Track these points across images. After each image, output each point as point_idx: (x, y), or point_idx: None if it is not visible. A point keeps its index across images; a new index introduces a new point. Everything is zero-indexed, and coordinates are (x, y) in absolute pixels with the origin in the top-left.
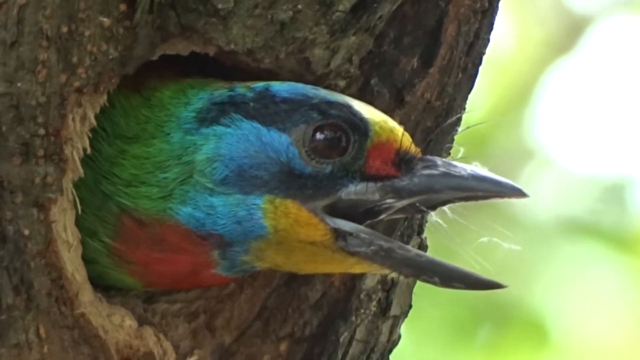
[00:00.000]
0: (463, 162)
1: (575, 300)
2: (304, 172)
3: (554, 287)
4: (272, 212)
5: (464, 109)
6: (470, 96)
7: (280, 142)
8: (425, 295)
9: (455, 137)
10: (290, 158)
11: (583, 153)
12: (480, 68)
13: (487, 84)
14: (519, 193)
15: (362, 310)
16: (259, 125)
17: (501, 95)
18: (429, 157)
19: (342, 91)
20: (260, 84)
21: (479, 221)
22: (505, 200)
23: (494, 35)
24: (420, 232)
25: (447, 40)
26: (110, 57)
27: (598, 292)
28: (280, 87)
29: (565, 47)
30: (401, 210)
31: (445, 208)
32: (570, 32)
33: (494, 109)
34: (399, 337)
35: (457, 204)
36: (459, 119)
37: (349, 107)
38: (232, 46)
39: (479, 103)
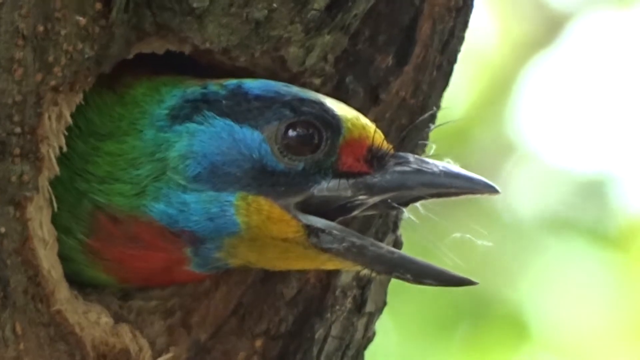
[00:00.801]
0: (436, 159)
1: (555, 295)
2: (277, 169)
3: (534, 283)
4: (244, 208)
5: (439, 106)
6: (448, 92)
7: (252, 139)
8: (406, 291)
9: (431, 134)
10: (262, 155)
11: (563, 148)
12: (456, 66)
13: (468, 80)
14: (491, 189)
15: (337, 307)
16: (232, 123)
17: (481, 90)
18: (401, 153)
19: (317, 89)
20: (232, 82)
21: (455, 218)
22: (479, 196)
23: (474, 31)
24: (395, 229)
25: (422, 38)
26: (86, 56)
27: (578, 287)
28: (253, 85)
29: (545, 43)
30: (373, 206)
31: (418, 205)
32: (550, 28)
33: (474, 104)
34: (374, 333)
35: (431, 201)
36: (433, 116)
37: (321, 105)
38: (208, 45)
39: (460, 98)
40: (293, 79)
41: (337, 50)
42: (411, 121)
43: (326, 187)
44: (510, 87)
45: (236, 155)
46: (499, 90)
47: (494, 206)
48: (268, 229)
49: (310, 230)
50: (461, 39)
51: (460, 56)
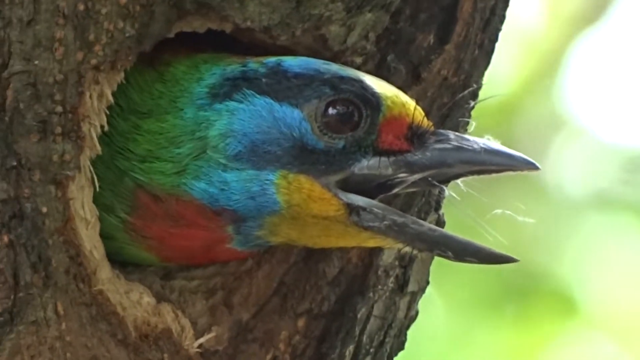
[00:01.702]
0: (480, 136)
1: (603, 271)
2: (317, 148)
3: (581, 259)
4: (285, 187)
5: (481, 85)
6: (497, 68)
7: (292, 117)
8: (453, 269)
9: (479, 110)
10: (302, 133)
11: (613, 124)
12: (497, 44)
13: (517, 56)
14: (532, 166)
15: (379, 287)
16: (272, 101)
17: (531, 66)
18: (441, 131)
19: (359, 68)
20: (272, 59)
21: (502, 195)
22: (520, 173)
23: (523, 7)
24: (437, 208)
25: (463, 16)
26: (127, 34)
27: (627, 263)
28: (293, 62)
29: (593, 18)
30: (413, 184)
31: (460, 182)
32: (598, 2)
33: (523, 80)
34: (417, 313)
35: (475, 178)
36: (474, 93)
37: (360, 82)
38: (249, 23)
39: (509, 75)
40: (334, 58)
41: (378, 28)
42: (453, 100)
43: (366, 165)
44: (559, 63)
45: (276, 134)
46: (548, 66)
47: (542, 182)
48: (309, 208)
49: (351, 209)
50: (502, 18)
51: (508, 33)
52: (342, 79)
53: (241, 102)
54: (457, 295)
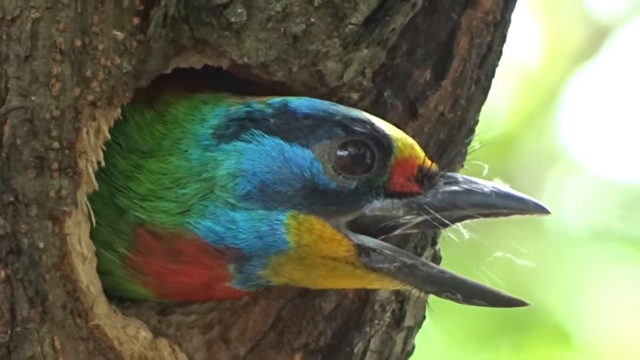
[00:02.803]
0: (481, 170)
1: (600, 305)
2: (329, 188)
3: (580, 292)
4: (295, 227)
5: (477, 120)
6: (494, 103)
7: (303, 157)
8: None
9: (478, 152)
10: (314, 174)
11: (609, 158)
12: (494, 80)
13: (513, 90)
14: (543, 210)
15: (376, 321)
16: (281, 141)
17: (527, 100)
18: (449, 173)
19: (355, 104)
20: (276, 100)
21: (497, 228)
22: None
23: (518, 42)
24: (433, 243)
25: (460, 52)
26: (124, 70)
27: (625, 297)
28: (299, 103)
29: (590, 53)
30: (416, 225)
31: (458, 224)
32: (594, 38)
33: (520, 114)
34: (413, 347)
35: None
36: (471, 130)
37: (371, 124)
38: (246, 59)
39: (505, 109)
40: (331, 94)
41: (375, 64)
42: (449, 136)
43: (379, 207)
44: (555, 98)
45: (287, 174)
46: (544, 101)
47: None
48: (319, 248)
49: (362, 250)
50: (499, 54)
51: (505, 67)
52: (353, 120)
53: (249, 142)
54: (453, 329)
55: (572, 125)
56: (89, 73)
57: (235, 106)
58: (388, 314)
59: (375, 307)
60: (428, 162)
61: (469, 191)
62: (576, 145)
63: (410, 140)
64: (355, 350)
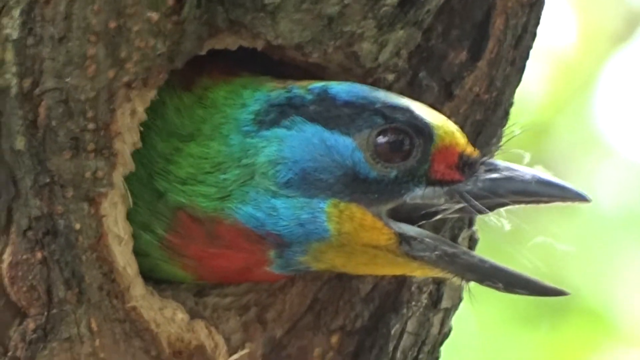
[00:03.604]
0: (517, 156)
1: (637, 289)
2: (369, 177)
3: (616, 278)
4: (336, 215)
5: (512, 102)
6: (530, 88)
7: (345, 146)
8: None
9: (522, 138)
10: (355, 162)
11: None
12: (528, 62)
13: (549, 75)
14: (583, 198)
15: (413, 303)
16: (322, 128)
17: (563, 85)
18: (490, 160)
19: (391, 85)
20: (317, 85)
21: (534, 213)
22: (574, 204)
23: (555, 26)
24: (470, 225)
25: (495, 33)
26: (158, 52)
27: None
28: (340, 89)
29: (625, 37)
30: (457, 210)
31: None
32: (630, 22)
33: (556, 99)
34: (450, 329)
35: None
36: (506, 112)
37: (411, 112)
38: (280, 41)
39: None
40: (366, 75)
41: (410, 45)
42: (485, 117)
43: (420, 195)
44: (591, 82)
45: (329, 162)
46: (580, 85)
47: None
48: (359, 236)
49: (403, 238)
50: (534, 35)
51: (540, 51)
52: (393, 108)
53: (290, 129)
54: (490, 312)
55: (607, 111)
56: (123, 54)
57: (276, 91)
58: (425, 295)
59: (413, 289)
60: (469, 149)
61: (509, 179)
62: (611, 130)
63: (451, 126)
64: (392, 332)
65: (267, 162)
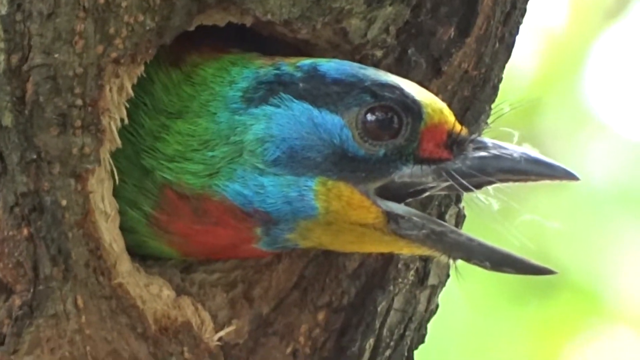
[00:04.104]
0: (507, 134)
1: (627, 266)
2: (357, 155)
3: (606, 255)
4: (324, 194)
5: (501, 78)
6: (519, 64)
7: (333, 124)
8: None
9: (512, 116)
10: (343, 140)
11: (635, 120)
12: (530, 37)
13: (539, 52)
14: (572, 176)
15: (399, 280)
16: (310, 106)
17: (553, 62)
18: (478, 138)
19: (379, 61)
20: (306, 62)
21: (524, 190)
22: (563, 182)
23: (546, 3)
24: (458, 201)
25: (484, 9)
26: (147, 27)
27: None
28: (329, 67)
29: (616, 13)
30: (445, 188)
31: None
32: None
33: (546, 75)
34: (437, 306)
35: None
36: (495, 88)
37: (400, 89)
38: (269, 17)
39: (531, 70)
40: (355, 51)
41: (399, 22)
42: (473, 93)
43: (408, 174)
44: (582, 59)
45: (316, 140)
46: (571, 62)
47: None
48: (347, 215)
49: (390, 217)
50: (523, 11)
51: (529, 28)
52: (382, 85)
53: (278, 106)
54: (478, 289)
55: (597, 87)
56: (112, 30)
57: (264, 68)
58: (412, 272)
59: (399, 266)
60: (458, 127)
61: (497, 157)
62: (602, 107)
63: (440, 104)
64: (379, 309)
65: (255, 139)
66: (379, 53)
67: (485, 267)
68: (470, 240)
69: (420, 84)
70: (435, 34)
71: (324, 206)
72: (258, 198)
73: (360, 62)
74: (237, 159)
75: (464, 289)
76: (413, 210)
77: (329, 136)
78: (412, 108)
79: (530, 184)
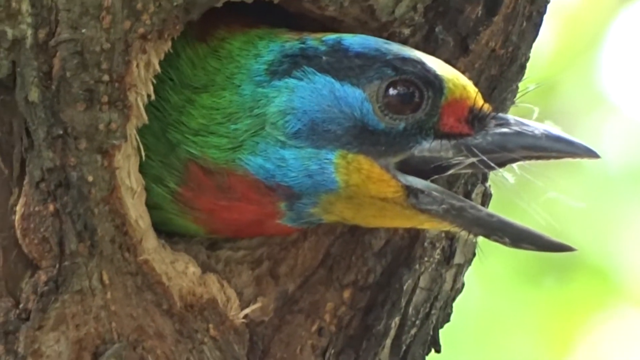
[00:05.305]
0: (523, 111)
1: None
2: (378, 128)
3: (621, 235)
4: (344, 167)
5: (528, 57)
6: (536, 44)
7: (354, 97)
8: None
9: (527, 96)
10: (364, 114)
11: None
12: (545, 17)
13: (556, 31)
14: (592, 154)
15: (425, 259)
16: (332, 80)
17: (570, 42)
18: (501, 115)
19: (407, 39)
20: (331, 37)
21: (540, 169)
22: (583, 160)
23: None
24: (484, 180)
25: None
26: (175, 3)
27: None
28: (353, 41)
29: None
30: (469, 166)
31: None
32: None
33: (562, 56)
34: (463, 285)
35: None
36: (522, 67)
37: (422, 64)
38: None
39: (548, 50)
40: (382, 29)
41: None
42: (500, 72)
43: (427, 148)
44: (598, 40)
45: (337, 113)
46: (587, 43)
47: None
48: (367, 188)
49: (410, 191)
50: None
51: (548, 9)
52: (404, 60)
53: (301, 79)
54: (494, 269)
55: (613, 69)
56: (139, 6)
57: (290, 42)
58: (438, 251)
59: (425, 244)
60: (479, 103)
61: (519, 133)
62: (617, 88)
63: (462, 80)
64: (405, 287)
65: (277, 112)
66: (406, 31)
67: (505, 243)
68: (491, 216)
69: (448, 62)
70: (463, 12)
71: (344, 179)
72: (280, 172)
73: (387, 39)
74: (259, 132)
75: (479, 269)
76: (433, 185)
77: (350, 109)
78: (434, 82)
79: (551, 161)
